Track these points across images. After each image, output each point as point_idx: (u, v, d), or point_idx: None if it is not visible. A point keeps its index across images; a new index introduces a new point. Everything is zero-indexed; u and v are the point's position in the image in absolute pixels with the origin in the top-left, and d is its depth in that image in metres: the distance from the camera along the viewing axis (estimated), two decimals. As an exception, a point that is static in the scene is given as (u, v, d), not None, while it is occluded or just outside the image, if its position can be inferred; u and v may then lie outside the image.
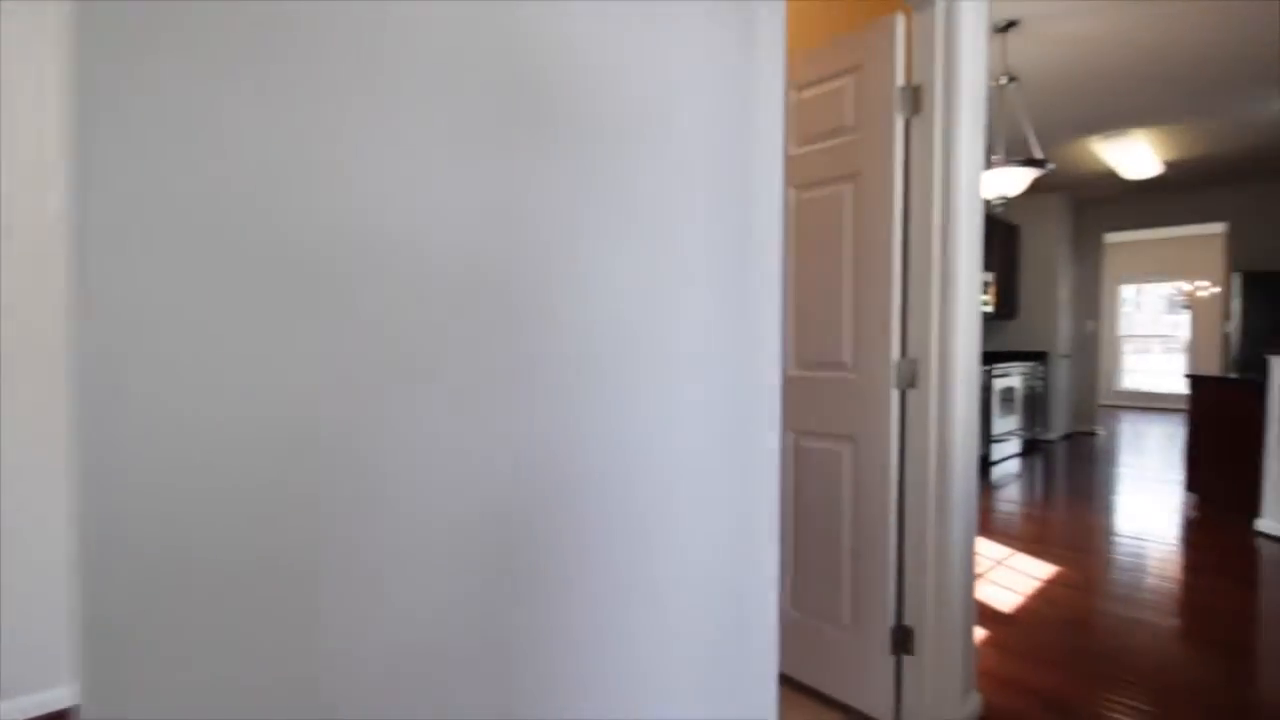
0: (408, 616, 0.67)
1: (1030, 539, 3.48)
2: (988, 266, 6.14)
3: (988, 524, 3.76)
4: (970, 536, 1.77)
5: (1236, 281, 6.05)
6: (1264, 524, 3.61)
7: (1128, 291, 10.28)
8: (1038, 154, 2.97)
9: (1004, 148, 3.13)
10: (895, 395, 1.71)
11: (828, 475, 1.84)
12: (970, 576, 1.76)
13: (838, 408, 1.81)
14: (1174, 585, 2.84)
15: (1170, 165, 5.61)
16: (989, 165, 2.98)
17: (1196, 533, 3.65)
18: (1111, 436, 7.34)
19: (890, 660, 1.73)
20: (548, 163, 0.78)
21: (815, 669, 1.89)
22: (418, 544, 0.68)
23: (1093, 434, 7.38)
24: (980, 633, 2.33)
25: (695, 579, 0.98)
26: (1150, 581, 2.88)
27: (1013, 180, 3.01)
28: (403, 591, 0.67)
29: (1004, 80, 3.03)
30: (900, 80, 1.67)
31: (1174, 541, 3.50)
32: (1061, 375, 7.03)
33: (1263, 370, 3.72)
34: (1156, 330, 10.20)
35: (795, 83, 1.89)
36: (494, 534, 0.74)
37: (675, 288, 0.95)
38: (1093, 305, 7.47)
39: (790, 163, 1.91)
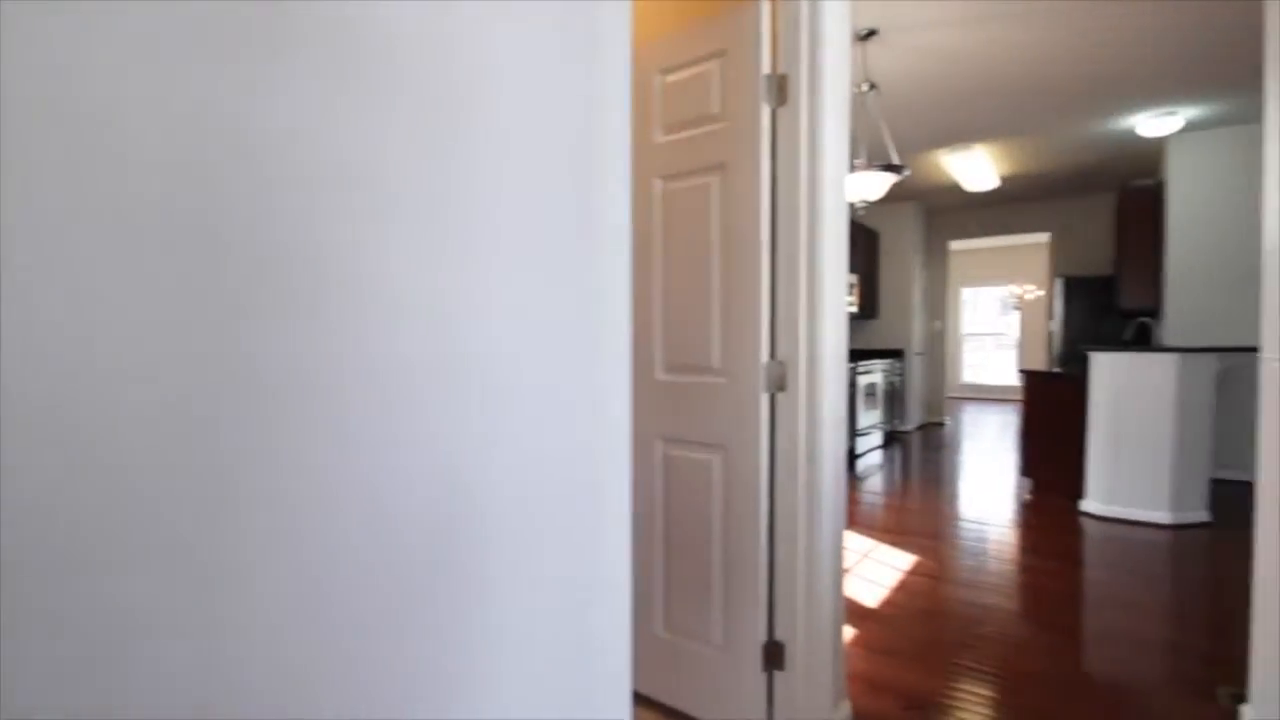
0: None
1: (892, 529, 3.63)
2: (852, 269, 6.46)
3: (855, 517, 3.89)
4: (839, 543, 1.73)
5: (1059, 285, 6.79)
6: (1087, 504, 4.01)
7: (968, 294, 11.35)
8: (896, 160, 3.10)
9: (865, 153, 3.23)
10: (765, 400, 1.62)
11: (698, 487, 1.73)
12: (840, 585, 1.72)
13: (708, 414, 1.70)
14: (1015, 568, 3.04)
15: (1005, 180, 6.17)
16: (852, 169, 3.06)
17: (1031, 515, 3.99)
18: (957, 426, 8.03)
19: (762, 678, 1.64)
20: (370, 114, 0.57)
21: (689, 693, 1.77)
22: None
23: (941, 424, 8.03)
24: (848, 632, 2.34)
25: (539, 630, 0.81)
26: (995, 565, 3.07)
27: (874, 184, 3.11)
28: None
29: (865, 87, 3.11)
30: (766, 68, 1.59)
31: (1013, 524, 3.79)
32: (916, 371, 7.57)
33: (1083, 364, 4.14)
34: (992, 329, 11.34)
35: (661, 66, 1.76)
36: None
37: (505, 281, 0.77)
38: (940, 306, 8.13)
39: (656, 151, 1.78)
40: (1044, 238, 7.58)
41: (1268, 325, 1.68)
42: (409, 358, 0.66)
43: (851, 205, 3.40)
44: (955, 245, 8.35)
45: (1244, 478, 4.74)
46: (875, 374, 6.25)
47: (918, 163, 5.55)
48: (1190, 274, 4.95)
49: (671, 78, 1.74)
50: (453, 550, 0.71)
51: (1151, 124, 4.55)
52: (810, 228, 1.60)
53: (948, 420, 8.24)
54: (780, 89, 1.59)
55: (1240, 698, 1.80)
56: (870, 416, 6.13)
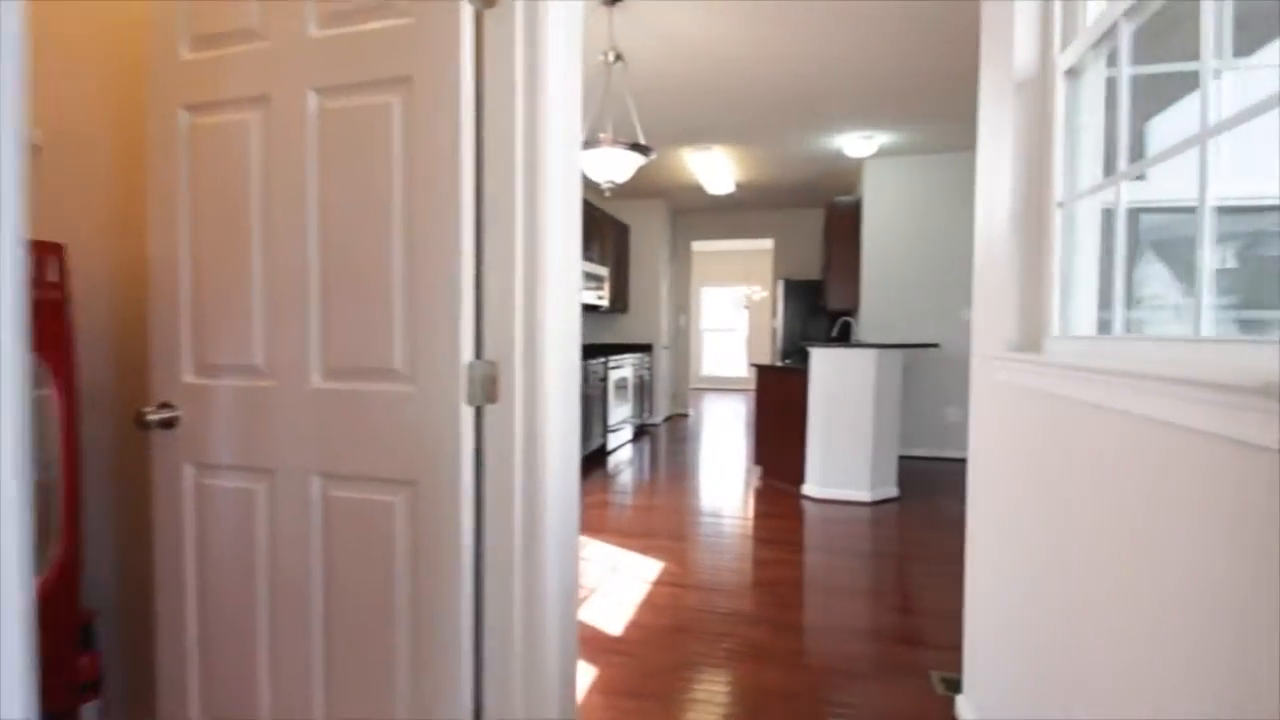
0: None
1: (640, 533, 3.46)
2: (603, 261, 6.34)
3: (603, 523, 3.66)
4: (571, 599, 1.36)
5: (780, 287, 7.49)
6: (807, 488, 4.31)
7: (707, 292, 12.26)
8: (643, 140, 2.88)
9: (611, 128, 2.98)
10: (469, 415, 1.17)
11: (376, 541, 1.21)
12: (573, 656, 1.35)
13: (389, 436, 1.20)
14: (750, 564, 3.05)
15: (740, 186, 6.57)
16: (597, 143, 2.77)
17: (762, 503, 4.17)
18: (699, 417, 8.50)
19: (467, 796, 1.20)
20: None
21: (364, 829, 1.25)
22: None
23: (686, 415, 8.43)
24: (589, 675, 2.01)
25: None
26: (734, 563, 3.04)
27: (621, 163, 2.86)
28: None
29: (611, 56, 2.84)
30: (467, -52, 1.13)
31: (747, 515, 3.90)
32: (663, 364, 7.80)
33: (804, 358, 4.45)
34: (727, 325, 12.40)
35: (315, -75, 1.19)
36: None
37: None
38: (684, 302, 8.52)
39: (308, 49, 1.21)
40: (768, 244, 8.37)
41: (977, 330, 1.72)
42: None
43: (598, 185, 3.11)
44: (697, 246, 8.84)
45: (919, 454, 5.62)
46: (626, 368, 6.22)
47: (665, 158, 5.59)
48: (881, 280, 5.71)
49: (329, -58, 1.18)
50: None
51: (855, 145, 5.10)
52: (530, 182, 1.19)
53: (691, 411, 8.68)
54: (487, -17, 1.15)
55: (954, 685, 1.86)
56: (621, 411, 6.07)
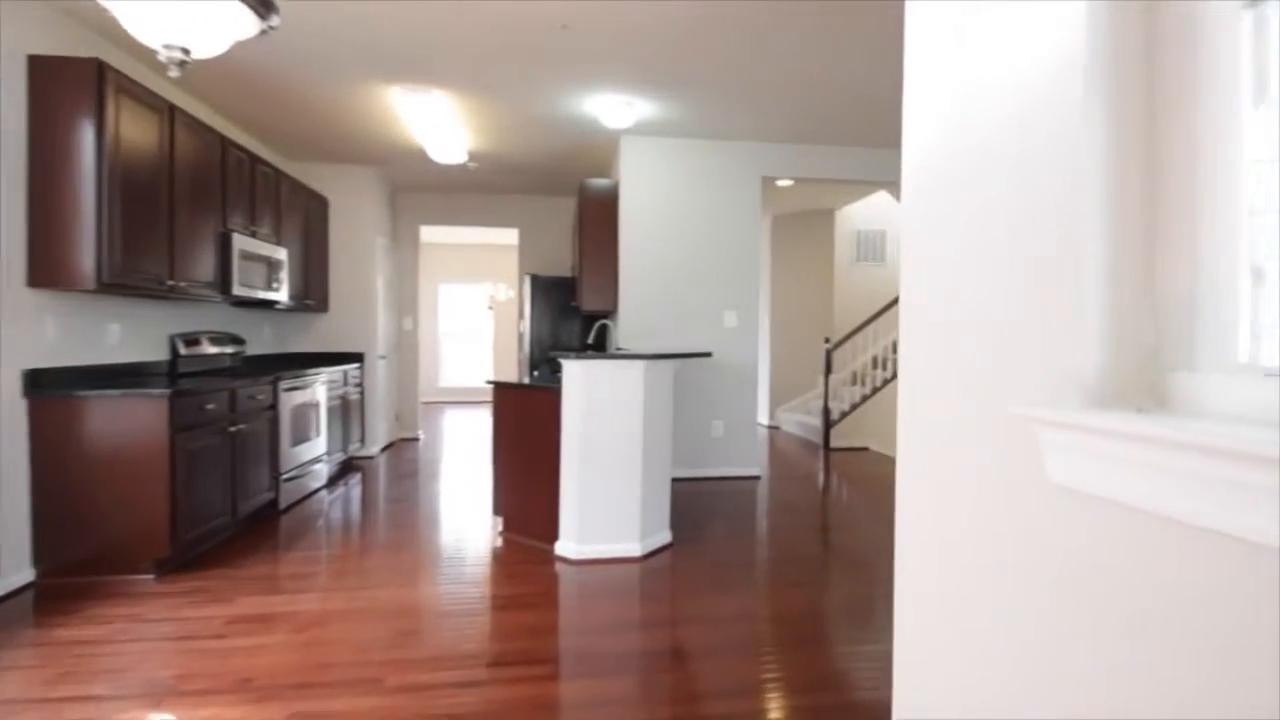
0: None
1: (287, 682, 2.02)
2: (278, 238, 4.55)
3: (221, 670, 2.11)
4: None
5: (527, 285, 6.39)
6: (563, 547, 3.25)
7: (445, 291, 10.68)
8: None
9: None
10: None
11: None
12: None
13: None
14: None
15: (476, 157, 5.32)
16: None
17: (503, 581, 2.98)
18: (434, 439, 6.99)
19: None
20: None
21: None
22: None
23: (416, 439, 6.86)
24: None
25: None
26: (450, 728, 1.81)
27: (198, 14, 1.45)
28: None
29: None
30: None
31: (479, 608, 2.68)
32: (381, 378, 6.15)
33: (556, 370, 3.38)
34: (472, 329, 10.95)
35: None
36: None
37: None
38: (411, 302, 6.95)
39: None
40: (514, 236, 7.24)
41: (921, 361, 0.76)
42: None
43: (156, 54, 1.61)
44: (428, 233, 7.36)
45: (682, 474, 4.93)
46: (316, 387, 4.53)
47: (368, 100, 4.10)
48: (642, 278, 4.94)
49: None
50: None
51: (612, 113, 4.21)
52: None
53: (423, 434, 7.13)
54: None
55: None
56: (310, 448, 4.37)
